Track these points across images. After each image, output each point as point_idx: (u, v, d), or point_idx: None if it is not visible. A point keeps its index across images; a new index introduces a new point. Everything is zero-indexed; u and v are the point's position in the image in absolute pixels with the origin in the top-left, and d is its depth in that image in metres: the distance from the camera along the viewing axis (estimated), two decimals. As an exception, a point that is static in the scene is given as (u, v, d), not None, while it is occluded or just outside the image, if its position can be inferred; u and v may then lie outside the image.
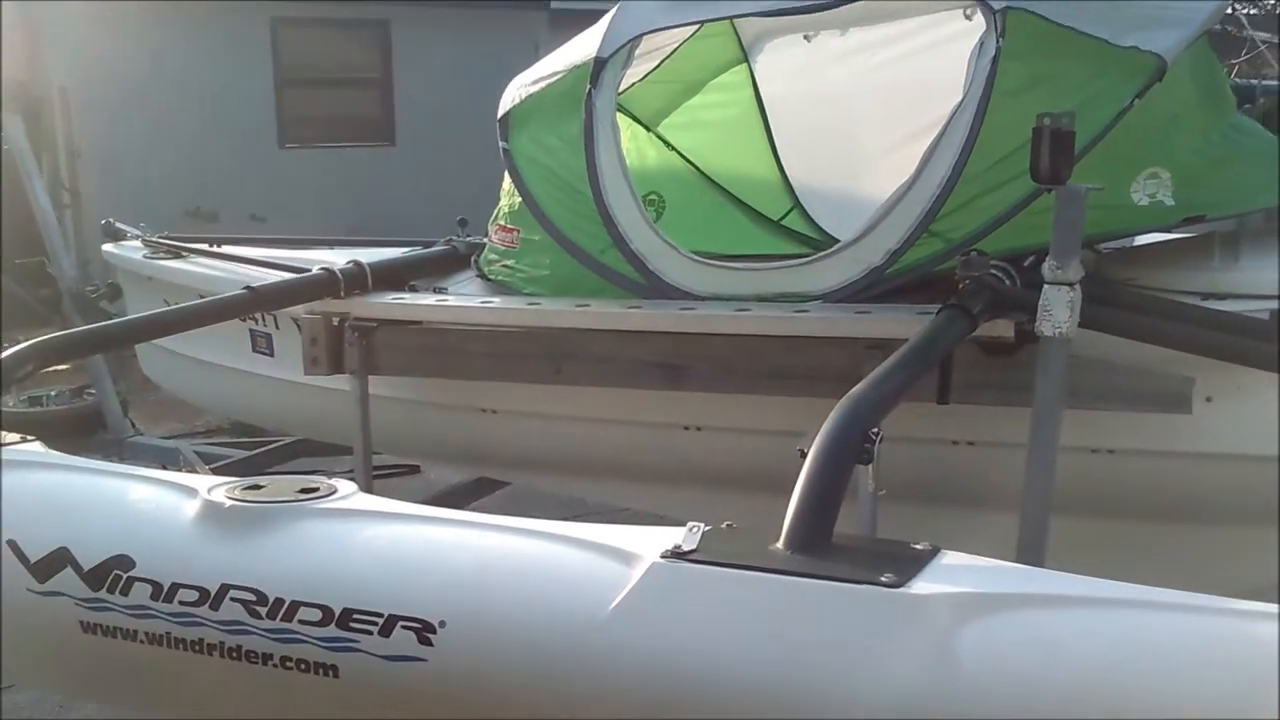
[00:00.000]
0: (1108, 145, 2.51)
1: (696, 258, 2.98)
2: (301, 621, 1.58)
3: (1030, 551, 2.14)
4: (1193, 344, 2.38)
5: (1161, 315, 2.49)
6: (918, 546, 1.44)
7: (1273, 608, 1.23)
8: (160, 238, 4.38)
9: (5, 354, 2.44)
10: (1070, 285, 2.16)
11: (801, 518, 1.50)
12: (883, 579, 1.34)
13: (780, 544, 1.47)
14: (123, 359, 5.59)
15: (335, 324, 3.24)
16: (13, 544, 1.85)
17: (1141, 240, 2.93)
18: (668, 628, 1.40)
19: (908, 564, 1.38)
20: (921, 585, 1.33)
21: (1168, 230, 2.80)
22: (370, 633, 1.54)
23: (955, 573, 1.39)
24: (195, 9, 9.10)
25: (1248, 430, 2.50)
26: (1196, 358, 2.39)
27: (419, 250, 3.80)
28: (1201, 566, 2.58)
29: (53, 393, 5.91)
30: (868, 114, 4.05)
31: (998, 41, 2.54)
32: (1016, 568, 1.47)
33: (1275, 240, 2.70)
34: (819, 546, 1.46)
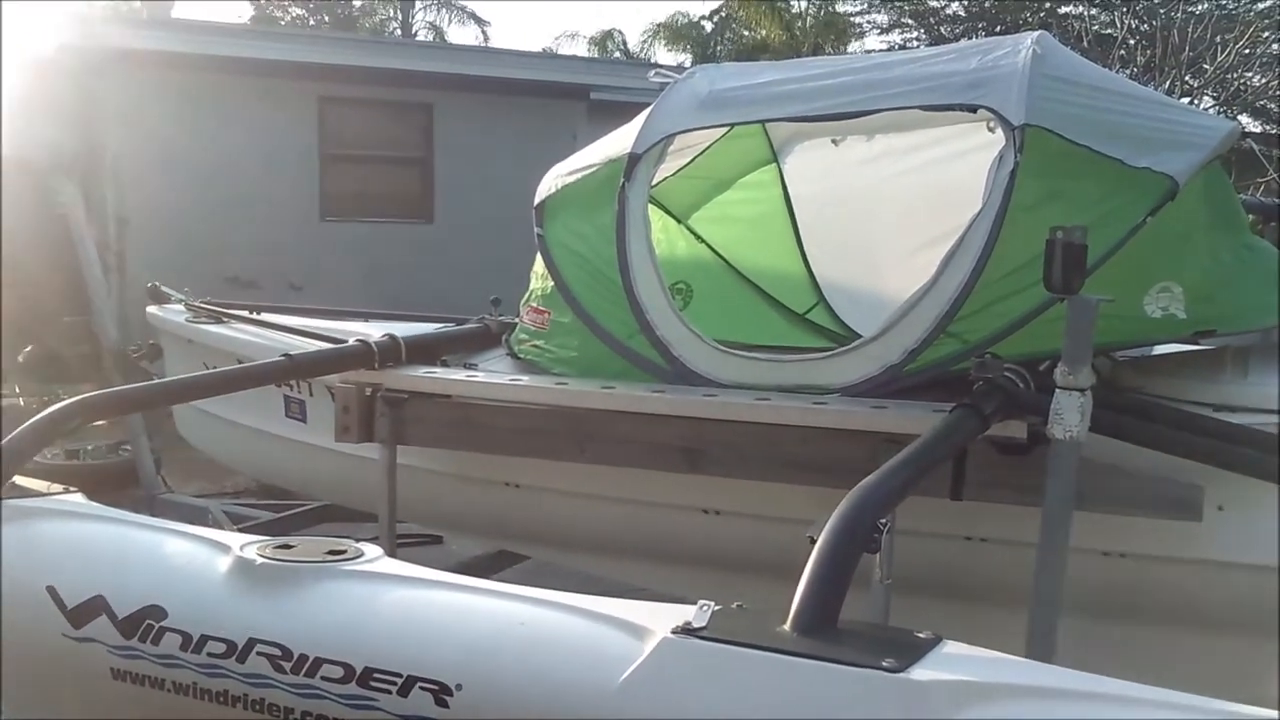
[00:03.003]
0: (1122, 259, 2.59)
1: (720, 346, 3.06)
2: (324, 678, 1.65)
3: (1039, 648, 2.16)
4: (1201, 453, 2.43)
5: (1172, 424, 2.54)
6: (920, 635, 1.49)
7: (1272, 714, 1.25)
8: (202, 303, 4.53)
9: (53, 408, 2.55)
10: (1081, 390, 2.23)
11: (808, 601, 1.55)
12: (883, 664, 1.38)
13: (787, 625, 1.52)
14: (158, 417, 5.71)
15: (368, 394, 3.34)
16: (51, 590, 1.93)
17: (1157, 351, 3.00)
18: (674, 702, 1.45)
19: (909, 650, 1.42)
20: (921, 672, 1.38)
21: (1182, 342, 2.87)
22: (389, 692, 1.60)
23: (955, 661, 1.43)
24: (246, 85, 9.47)
25: (1258, 540, 2.52)
26: (1208, 467, 2.44)
27: (452, 327, 3.92)
28: (1209, 674, 2.57)
29: (89, 446, 6.05)
30: (891, 217, 4.17)
31: (1016, 156, 2.65)
32: (1015, 660, 1.50)
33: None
34: (824, 629, 1.51)
